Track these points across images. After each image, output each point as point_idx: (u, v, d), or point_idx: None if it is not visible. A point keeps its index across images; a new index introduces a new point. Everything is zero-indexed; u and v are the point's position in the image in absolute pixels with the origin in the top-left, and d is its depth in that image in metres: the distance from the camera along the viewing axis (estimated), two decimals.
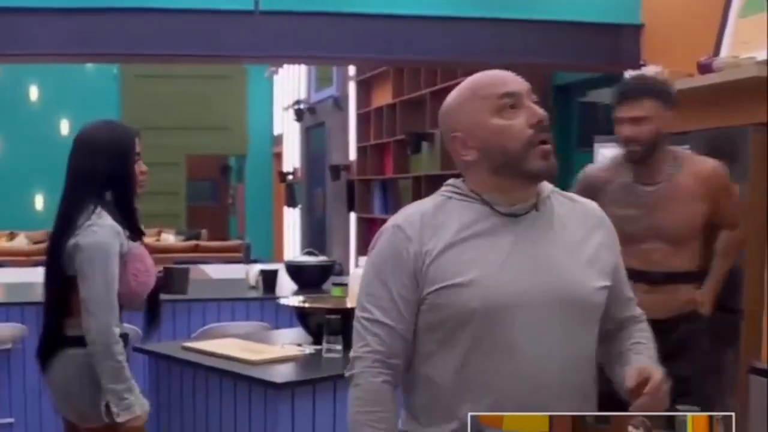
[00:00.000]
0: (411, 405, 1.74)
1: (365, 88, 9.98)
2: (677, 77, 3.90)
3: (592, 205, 1.83)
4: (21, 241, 14.57)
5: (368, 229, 9.44)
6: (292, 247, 13.73)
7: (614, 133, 3.20)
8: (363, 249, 8.25)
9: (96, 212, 2.64)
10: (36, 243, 13.67)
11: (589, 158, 4.63)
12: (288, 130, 14.31)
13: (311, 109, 12.22)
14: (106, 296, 2.58)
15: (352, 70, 10.18)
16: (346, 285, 3.94)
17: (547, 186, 1.75)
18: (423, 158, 7.91)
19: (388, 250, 1.71)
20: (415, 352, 1.71)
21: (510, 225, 1.68)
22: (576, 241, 1.73)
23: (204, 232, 16.44)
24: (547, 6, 4.81)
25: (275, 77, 15.38)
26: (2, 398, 4.46)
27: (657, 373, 1.66)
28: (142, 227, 2.81)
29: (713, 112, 4.02)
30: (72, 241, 2.61)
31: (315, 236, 12.17)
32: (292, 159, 13.98)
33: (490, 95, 1.68)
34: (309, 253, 5.39)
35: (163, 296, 2.96)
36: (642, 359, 1.76)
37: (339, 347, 3.17)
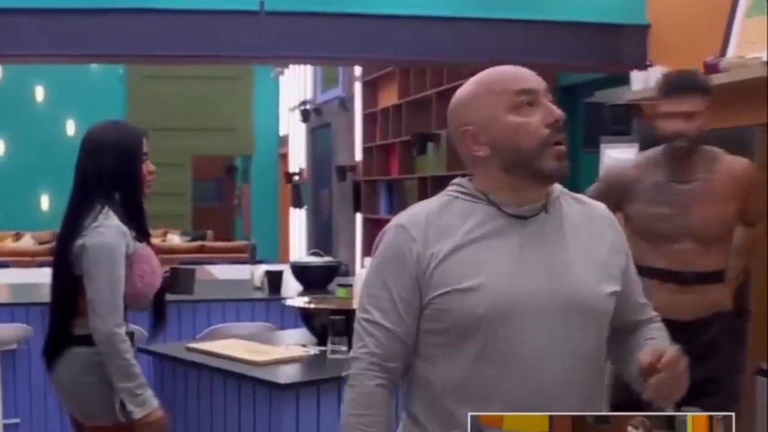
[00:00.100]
0: (411, 407, 1.70)
1: (371, 88, 9.98)
2: None
3: (601, 206, 1.79)
4: (27, 242, 14.56)
5: (374, 229, 9.43)
6: (298, 248, 13.73)
7: (656, 127, 3.13)
8: (369, 250, 8.23)
9: (103, 212, 2.65)
10: (42, 243, 13.67)
11: (595, 159, 4.63)
12: (294, 131, 14.31)
13: (317, 110, 12.22)
14: (112, 297, 2.60)
15: (358, 70, 10.19)
16: (351, 286, 3.93)
17: (556, 187, 1.71)
18: (429, 159, 7.91)
19: (391, 251, 1.67)
20: (415, 354, 1.67)
21: (517, 227, 1.64)
22: (586, 245, 1.68)
23: (210, 232, 16.43)
24: (554, 6, 4.81)
25: (281, 78, 15.38)
26: (8, 399, 4.46)
27: (672, 349, 1.60)
28: (149, 229, 2.82)
29: (720, 112, 3.99)
30: (79, 242, 2.63)
31: (321, 237, 12.17)
32: (298, 160, 13.98)
33: (507, 91, 1.63)
34: (314, 254, 5.39)
35: (168, 297, 2.97)
36: (655, 343, 1.71)
37: (344, 348, 3.15)
